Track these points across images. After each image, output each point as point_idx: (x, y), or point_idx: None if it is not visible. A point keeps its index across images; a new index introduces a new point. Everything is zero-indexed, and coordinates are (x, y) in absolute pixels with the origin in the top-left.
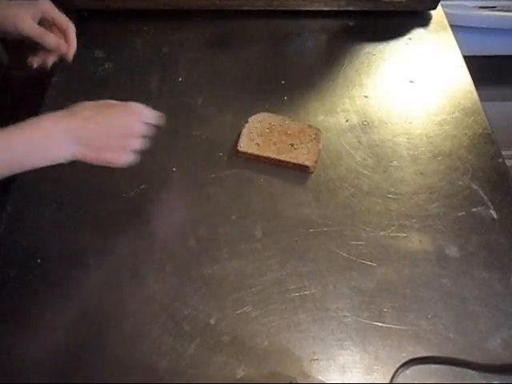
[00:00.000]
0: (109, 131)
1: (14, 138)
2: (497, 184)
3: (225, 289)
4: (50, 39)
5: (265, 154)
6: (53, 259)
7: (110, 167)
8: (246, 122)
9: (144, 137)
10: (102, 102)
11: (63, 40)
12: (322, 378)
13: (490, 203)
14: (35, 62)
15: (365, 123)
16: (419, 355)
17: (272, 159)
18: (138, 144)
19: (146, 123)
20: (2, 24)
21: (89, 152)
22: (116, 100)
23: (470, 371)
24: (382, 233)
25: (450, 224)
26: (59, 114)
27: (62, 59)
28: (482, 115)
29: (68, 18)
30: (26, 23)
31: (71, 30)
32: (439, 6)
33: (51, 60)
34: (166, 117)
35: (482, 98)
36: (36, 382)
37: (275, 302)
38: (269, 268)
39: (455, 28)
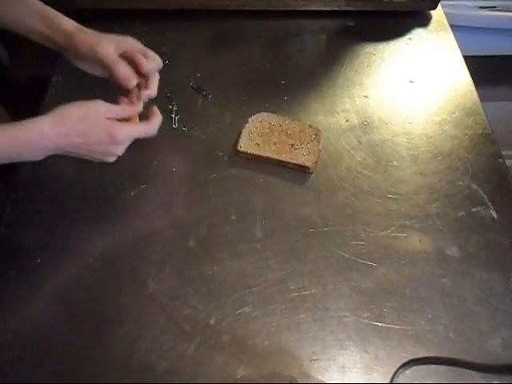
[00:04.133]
0: (86, 152)
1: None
2: (497, 184)
3: (225, 289)
4: (120, 70)
5: (265, 154)
6: (53, 259)
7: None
8: (246, 122)
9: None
10: (89, 114)
11: (137, 76)
12: (322, 378)
13: (490, 203)
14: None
15: (365, 123)
16: (419, 355)
17: (272, 159)
18: (113, 159)
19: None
20: (80, 44)
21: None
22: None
23: (469, 371)
24: (382, 233)
25: (450, 224)
26: (47, 121)
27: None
28: (481, 115)
29: (156, 63)
30: (104, 48)
31: (153, 75)
32: (439, 6)
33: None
34: (166, 117)
35: (482, 98)
36: (36, 381)
37: (275, 301)
38: (269, 268)
39: (455, 28)
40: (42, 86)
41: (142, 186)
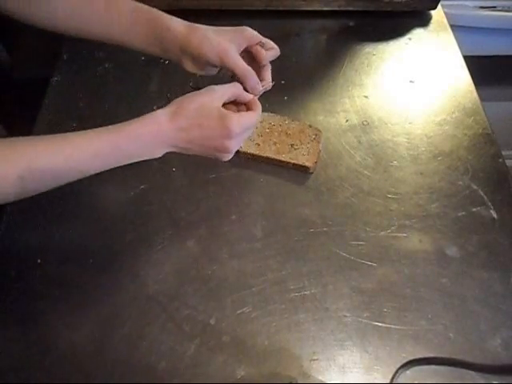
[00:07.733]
0: (200, 148)
1: (123, 137)
2: (497, 184)
3: (225, 289)
4: (251, 82)
5: (265, 154)
6: (53, 259)
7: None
8: None
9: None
10: (205, 104)
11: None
12: (322, 378)
13: (490, 203)
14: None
15: (365, 123)
16: (419, 355)
17: (272, 159)
18: (227, 157)
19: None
20: (205, 52)
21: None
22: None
23: (469, 372)
24: (382, 233)
25: (450, 224)
26: (164, 115)
27: None
28: (482, 115)
29: (274, 52)
30: (231, 57)
31: (267, 67)
32: (439, 6)
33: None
34: None
35: (482, 98)
36: (36, 381)
37: (275, 302)
38: (269, 268)
39: (455, 28)
40: (42, 86)
41: (142, 186)
